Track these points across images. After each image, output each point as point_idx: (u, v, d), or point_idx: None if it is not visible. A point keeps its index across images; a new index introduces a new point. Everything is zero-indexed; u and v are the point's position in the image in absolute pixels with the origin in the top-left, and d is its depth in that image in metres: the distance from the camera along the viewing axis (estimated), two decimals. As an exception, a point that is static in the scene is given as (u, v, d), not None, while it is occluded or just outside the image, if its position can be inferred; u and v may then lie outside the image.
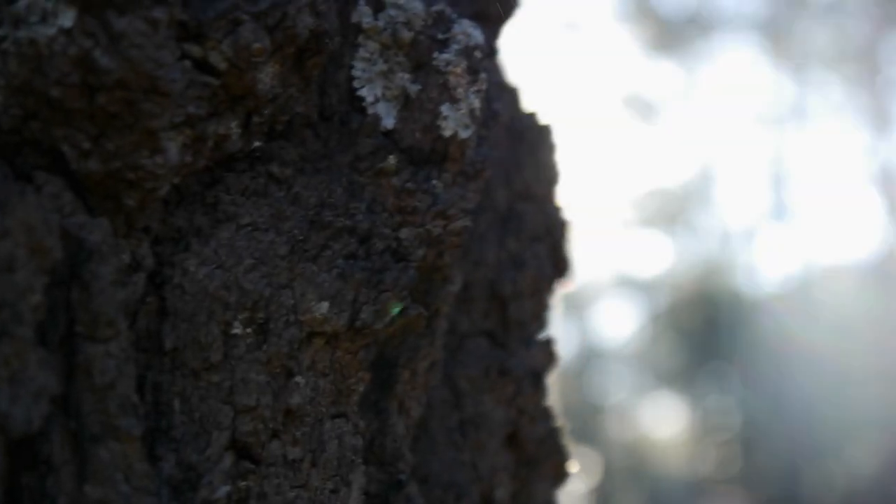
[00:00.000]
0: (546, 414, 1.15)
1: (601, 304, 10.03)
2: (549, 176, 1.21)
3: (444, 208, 0.96)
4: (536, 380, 1.14)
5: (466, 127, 0.96)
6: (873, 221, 9.43)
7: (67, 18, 0.80)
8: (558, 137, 1.21)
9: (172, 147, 0.84)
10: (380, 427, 0.98)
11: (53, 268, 0.81)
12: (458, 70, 0.96)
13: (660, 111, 9.54)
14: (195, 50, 0.84)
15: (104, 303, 0.83)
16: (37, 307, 0.80)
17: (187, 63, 0.83)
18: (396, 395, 0.99)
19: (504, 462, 1.11)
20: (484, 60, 0.98)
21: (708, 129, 9.66)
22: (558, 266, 1.18)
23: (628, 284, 10.16)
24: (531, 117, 1.19)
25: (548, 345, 1.16)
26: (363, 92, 0.96)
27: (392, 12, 0.96)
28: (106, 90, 0.81)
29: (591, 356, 9.87)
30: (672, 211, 9.84)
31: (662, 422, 10.26)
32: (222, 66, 0.85)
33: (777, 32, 9.85)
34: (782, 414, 9.94)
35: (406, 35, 0.95)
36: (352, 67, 0.96)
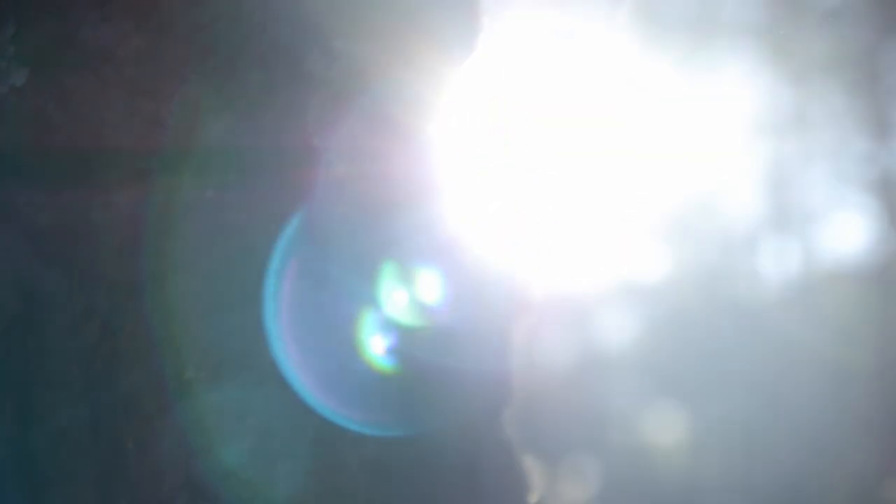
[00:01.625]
0: (505, 446, 1.17)
1: (603, 312, 10.04)
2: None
3: (396, 251, 0.99)
4: (494, 413, 1.16)
5: (417, 173, 0.99)
6: (874, 229, 9.37)
7: (20, 77, 0.83)
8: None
9: (124, 199, 0.87)
10: (334, 464, 1.01)
11: (9, 317, 0.84)
12: (409, 117, 0.99)
13: (659, 117, 9.56)
14: (146, 106, 0.87)
15: (58, 350, 0.86)
16: (-8, 356, 0.83)
17: (138, 119, 0.86)
18: (350, 433, 1.02)
19: (462, 495, 1.13)
20: (436, 106, 1.01)
21: (708, 136, 9.64)
22: (516, 302, 1.21)
23: (630, 291, 10.17)
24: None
25: (506, 379, 1.18)
26: (316, 139, 0.98)
27: (344, 61, 0.99)
28: (59, 146, 0.84)
29: (592, 363, 9.88)
30: (674, 218, 9.86)
31: (665, 429, 10.26)
32: (173, 120, 0.88)
33: (777, 39, 9.87)
34: (784, 420, 9.94)
35: (358, 84, 0.98)
36: (305, 115, 0.99)
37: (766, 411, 9.67)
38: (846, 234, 10.55)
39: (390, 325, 1.03)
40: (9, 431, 0.84)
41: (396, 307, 1.02)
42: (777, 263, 10.35)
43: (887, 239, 9.71)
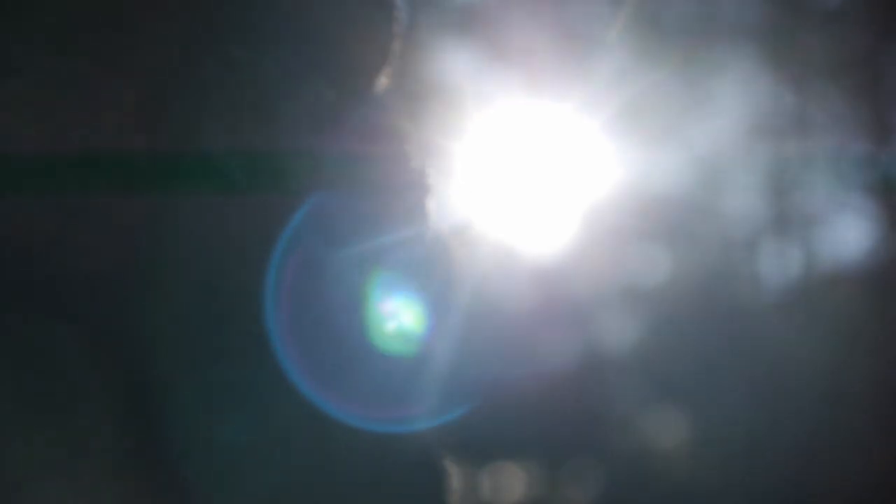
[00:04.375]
0: (428, 460, 1.18)
1: (602, 315, 9.98)
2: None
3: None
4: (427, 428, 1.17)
5: (314, 178, 1.00)
6: (874, 233, 9.26)
7: None
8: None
9: (41, 219, 0.89)
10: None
11: None
12: (307, 124, 1.00)
13: (659, 121, 9.50)
14: (62, 126, 0.88)
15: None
16: None
17: (56, 138, 0.88)
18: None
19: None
20: (337, 113, 1.02)
21: (708, 139, 9.55)
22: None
23: (630, 295, 10.10)
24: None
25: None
26: (213, 145, 0.99)
27: (243, 70, 1.00)
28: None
29: (592, 367, 9.82)
30: (674, 220, 9.82)
31: (665, 432, 10.18)
32: (102, 137, 0.89)
33: (777, 42, 9.80)
34: (785, 423, 9.87)
35: (255, 93, 0.99)
36: (202, 121, 1.00)
37: (766, 415, 9.65)
38: (847, 237, 10.49)
39: (384, 328, 1.05)
40: None
41: (390, 313, 1.03)
42: (777, 267, 10.31)
43: (888, 243, 9.68)
